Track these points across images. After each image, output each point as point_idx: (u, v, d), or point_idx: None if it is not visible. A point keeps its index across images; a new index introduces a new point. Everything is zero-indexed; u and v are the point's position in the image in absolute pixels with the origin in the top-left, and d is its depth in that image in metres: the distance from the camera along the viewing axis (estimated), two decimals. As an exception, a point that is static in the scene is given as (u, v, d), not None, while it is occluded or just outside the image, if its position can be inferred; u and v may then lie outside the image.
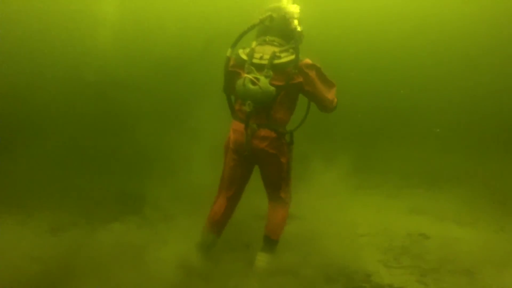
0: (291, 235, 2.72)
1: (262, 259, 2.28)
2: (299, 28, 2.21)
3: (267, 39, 2.17)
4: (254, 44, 2.20)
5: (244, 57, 2.16)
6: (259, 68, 2.08)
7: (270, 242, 2.31)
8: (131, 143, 4.51)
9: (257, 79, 2.02)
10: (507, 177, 4.67)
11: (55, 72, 4.62)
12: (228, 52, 2.21)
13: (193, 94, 4.54)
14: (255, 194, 2.71)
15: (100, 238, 2.86)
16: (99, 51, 4.56)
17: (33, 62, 4.72)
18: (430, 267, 2.54)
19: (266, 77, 2.04)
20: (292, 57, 2.07)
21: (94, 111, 4.60)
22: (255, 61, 2.10)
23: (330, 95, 2.22)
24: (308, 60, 2.12)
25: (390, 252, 2.78)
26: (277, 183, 2.33)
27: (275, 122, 2.18)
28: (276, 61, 2.06)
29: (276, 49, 2.10)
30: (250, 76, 2.04)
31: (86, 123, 4.60)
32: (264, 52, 2.11)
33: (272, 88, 2.04)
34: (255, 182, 2.51)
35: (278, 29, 2.17)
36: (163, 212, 3.66)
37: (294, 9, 2.23)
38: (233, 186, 2.40)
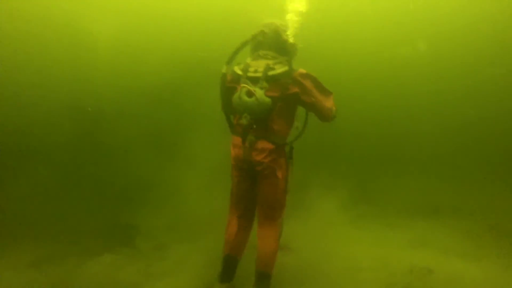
0: (286, 269, 2.59)
1: None
2: (291, 40, 2.26)
3: (261, 54, 2.21)
4: (249, 59, 2.24)
5: (240, 72, 2.18)
6: (254, 81, 2.09)
7: (263, 276, 2.18)
8: (123, 172, 4.41)
9: (253, 91, 2.03)
10: (509, 210, 4.57)
11: (41, 97, 4.53)
12: (224, 69, 2.23)
13: (185, 122, 4.52)
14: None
15: (88, 272, 2.70)
16: (91, 78, 4.55)
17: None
18: (436, 305, 2.39)
19: (261, 88, 2.05)
20: (286, 68, 2.10)
21: (83, 139, 4.49)
22: (250, 74, 2.12)
23: (328, 103, 2.21)
24: (302, 70, 2.13)
25: (393, 288, 2.64)
26: (271, 202, 2.23)
27: (274, 134, 2.16)
28: (271, 73, 2.08)
29: (270, 62, 2.13)
30: (247, 87, 2.05)
31: (75, 151, 4.47)
32: (258, 66, 2.14)
33: (268, 99, 2.04)
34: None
35: (271, 42, 2.21)
36: (156, 241, 3.53)
37: (284, 23, 2.28)
38: (241, 204, 2.35)
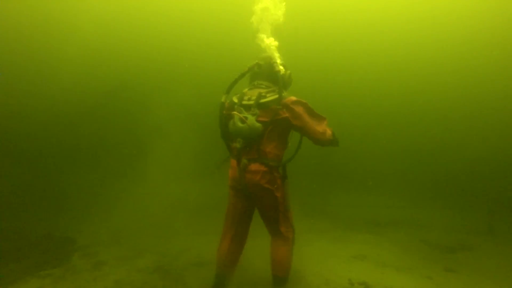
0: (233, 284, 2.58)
1: None
2: (288, 71, 2.51)
3: (256, 83, 2.45)
4: (246, 89, 2.47)
5: (236, 100, 2.39)
6: (248, 108, 2.31)
7: (279, 280, 2.45)
8: (60, 178, 4.04)
9: (245, 117, 2.23)
10: (440, 223, 5.05)
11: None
12: (223, 98, 2.45)
13: (129, 135, 4.34)
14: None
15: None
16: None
17: None
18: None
19: (252, 115, 2.25)
20: (276, 96, 2.30)
21: (17, 140, 4.04)
22: (244, 102, 2.35)
23: (321, 127, 2.36)
24: (293, 97, 2.32)
25: (332, 305, 2.74)
26: (274, 217, 2.43)
27: (266, 156, 2.32)
28: (262, 100, 2.29)
29: (263, 91, 2.34)
30: (239, 115, 2.24)
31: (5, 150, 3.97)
32: (252, 94, 2.36)
33: (258, 125, 2.24)
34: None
35: (266, 73, 2.46)
36: (95, 259, 3.28)
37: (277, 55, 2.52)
38: (235, 224, 2.50)
